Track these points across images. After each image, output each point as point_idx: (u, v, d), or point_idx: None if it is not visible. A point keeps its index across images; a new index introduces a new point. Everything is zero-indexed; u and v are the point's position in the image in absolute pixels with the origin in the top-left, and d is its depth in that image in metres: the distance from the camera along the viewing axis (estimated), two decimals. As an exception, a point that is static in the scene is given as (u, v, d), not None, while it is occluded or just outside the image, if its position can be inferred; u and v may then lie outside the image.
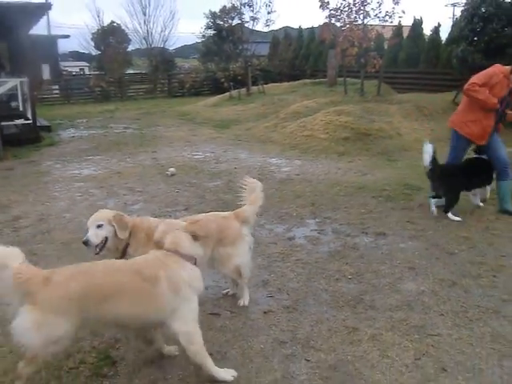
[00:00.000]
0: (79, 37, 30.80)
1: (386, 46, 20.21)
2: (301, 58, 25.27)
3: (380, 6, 13.83)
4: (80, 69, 42.15)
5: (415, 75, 18.32)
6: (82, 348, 3.27)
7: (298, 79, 21.51)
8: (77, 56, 46.11)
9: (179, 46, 38.68)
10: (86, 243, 3.26)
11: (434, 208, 5.73)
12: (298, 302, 3.82)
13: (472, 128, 5.65)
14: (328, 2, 14.28)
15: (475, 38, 11.74)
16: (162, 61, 26.98)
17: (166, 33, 28.64)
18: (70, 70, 34.57)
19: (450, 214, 5.57)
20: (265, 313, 3.68)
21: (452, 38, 14.53)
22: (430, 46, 18.27)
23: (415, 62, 18.67)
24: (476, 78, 5.52)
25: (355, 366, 3.02)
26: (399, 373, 2.94)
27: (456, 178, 5.58)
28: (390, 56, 19.44)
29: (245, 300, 3.80)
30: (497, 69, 5.62)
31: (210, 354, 3.09)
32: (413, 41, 19.02)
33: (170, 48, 31.11)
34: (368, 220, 5.67)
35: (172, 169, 8.32)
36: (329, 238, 5.19)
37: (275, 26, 21.46)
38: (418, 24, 19.21)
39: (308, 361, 3.09)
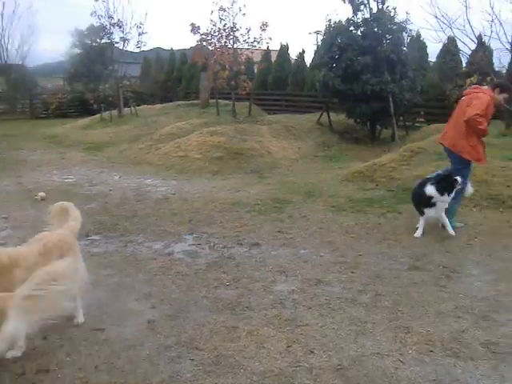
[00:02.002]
0: None
1: (255, 70, 21.50)
2: (173, 79, 25.70)
3: (248, 32, 14.85)
4: None
5: (283, 97, 19.73)
6: None
7: (171, 101, 21.88)
8: None
9: (40, 63, 36.84)
10: None
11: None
12: (180, 310, 4.13)
13: (477, 151, 5.95)
14: (199, 27, 14.97)
15: (334, 65, 13.15)
16: (22, 79, 25.58)
17: (25, 49, 27.13)
18: None
19: None
20: (149, 322, 3.94)
21: (315, 64, 16.03)
22: (296, 70, 19.83)
23: (283, 85, 20.10)
24: (479, 110, 5.71)
25: (235, 359, 3.41)
26: (274, 359, 3.40)
27: None
28: (260, 79, 20.73)
29: (79, 318, 3.91)
30: (487, 95, 5.88)
31: (95, 367, 3.31)
32: (280, 65, 20.46)
33: (30, 65, 29.47)
34: (242, 232, 6.19)
35: (42, 193, 8.14)
36: (206, 251, 5.59)
37: (147, 47, 21.44)
38: (284, 49, 20.75)
39: (192, 360, 3.42)
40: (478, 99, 5.85)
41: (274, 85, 20.34)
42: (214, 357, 3.44)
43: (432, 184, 5.78)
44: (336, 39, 13.19)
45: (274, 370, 3.27)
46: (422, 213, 5.96)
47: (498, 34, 12.40)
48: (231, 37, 14.61)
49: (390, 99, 12.67)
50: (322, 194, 7.98)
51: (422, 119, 16.75)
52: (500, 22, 11.78)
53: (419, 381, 3.12)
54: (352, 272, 4.85)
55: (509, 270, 4.88)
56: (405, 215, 6.71)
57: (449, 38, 15.23)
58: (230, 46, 14.74)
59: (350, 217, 6.76)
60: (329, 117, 14.43)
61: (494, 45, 13.57)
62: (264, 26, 14.52)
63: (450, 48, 15.54)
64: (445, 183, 5.77)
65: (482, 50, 14.31)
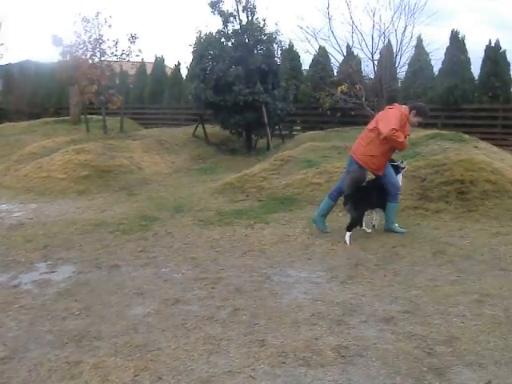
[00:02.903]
0: None
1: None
2: (42, 95, 24.29)
3: (116, 44, 14.38)
4: None
5: (160, 111, 19.50)
6: None
7: (40, 118, 20.63)
8: None
9: None
10: None
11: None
12: (16, 351, 3.72)
13: (374, 162, 6.10)
14: (61, 39, 14.23)
15: (206, 77, 13.14)
16: None
17: None
18: None
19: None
20: (-27, 372, 3.50)
21: (187, 76, 16.01)
22: (173, 83, 19.69)
23: (160, 98, 19.83)
24: (394, 124, 5.85)
25: (74, 398, 3.13)
26: (118, 392, 3.17)
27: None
28: (136, 92, 20.29)
29: None
30: (401, 111, 6.05)
31: None
32: (156, 78, 20.18)
33: None
34: (103, 254, 5.86)
35: None
36: (59, 279, 5.18)
37: (10, 60, 19.94)
38: (160, 62, 20.50)
39: (22, 407, 3.08)
40: (387, 112, 6.10)
41: (151, 98, 20.00)
42: (49, 399, 3.13)
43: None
44: (207, 51, 13.24)
45: (116, 404, 3.05)
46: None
47: (360, 45, 13.25)
48: (98, 49, 14.06)
49: (264, 109, 12.96)
50: (191, 209, 7.85)
51: (298, 127, 17.42)
52: (361, 33, 12.55)
53: (268, 396, 3.06)
54: (212, 288, 4.75)
55: (366, 272, 5.08)
56: (272, 225, 6.79)
57: (319, 48, 16.02)
58: (97, 60, 14.18)
59: (217, 230, 6.69)
60: (204, 129, 14.44)
61: (361, 54, 14.48)
62: (133, 38, 14.18)
63: (320, 58, 16.31)
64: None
65: (350, 59, 15.22)
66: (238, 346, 3.66)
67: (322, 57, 16.22)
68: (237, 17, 13.57)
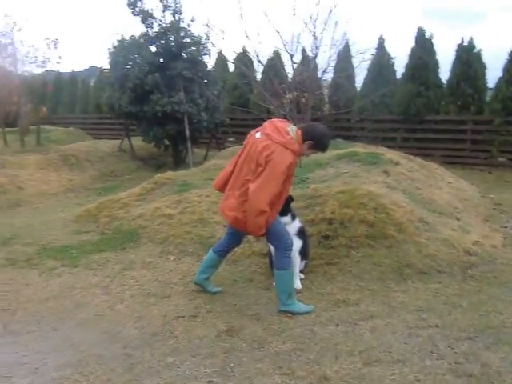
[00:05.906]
0: None
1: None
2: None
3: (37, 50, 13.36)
4: None
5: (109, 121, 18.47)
6: None
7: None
8: None
9: None
10: None
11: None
12: None
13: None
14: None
15: (122, 85, 11.85)
16: None
17: None
18: None
19: None
20: None
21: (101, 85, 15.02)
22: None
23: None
24: (270, 192, 4.06)
25: None
26: None
27: None
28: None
29: None
30: (290, 150, 4.14)
31: None
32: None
33: None
34: None
35: None
36: None
37: None
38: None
39: None
40: (272, 164, 4.03)
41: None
42: None
43: None
44: (125, 56, 11.93)
45: None
46: None
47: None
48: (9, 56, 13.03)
49: (186, 120, 11.64)
50: (17, 242, 6.53)
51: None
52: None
53: None
54: None
55: (94, 362, 3.73)
56: (78, 269, 5.45)
57: (274, 52, 14.53)
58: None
59: (1, 276, 5.41)
60: (130, 142, 13.23)
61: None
62: (53, 44, 13.11)
63: (274, 63, 14.83)
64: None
65: (306, 64, 13.72)
66: None
67: (277, 61, 14.73)
68: (156, 18, 12.12)
